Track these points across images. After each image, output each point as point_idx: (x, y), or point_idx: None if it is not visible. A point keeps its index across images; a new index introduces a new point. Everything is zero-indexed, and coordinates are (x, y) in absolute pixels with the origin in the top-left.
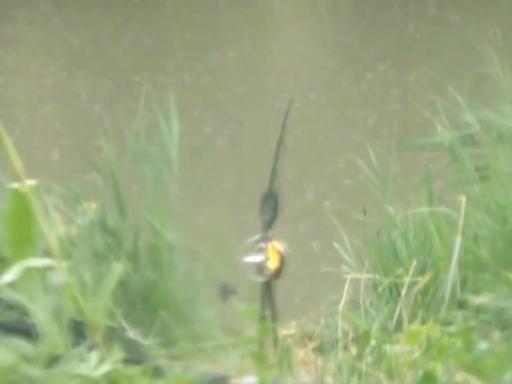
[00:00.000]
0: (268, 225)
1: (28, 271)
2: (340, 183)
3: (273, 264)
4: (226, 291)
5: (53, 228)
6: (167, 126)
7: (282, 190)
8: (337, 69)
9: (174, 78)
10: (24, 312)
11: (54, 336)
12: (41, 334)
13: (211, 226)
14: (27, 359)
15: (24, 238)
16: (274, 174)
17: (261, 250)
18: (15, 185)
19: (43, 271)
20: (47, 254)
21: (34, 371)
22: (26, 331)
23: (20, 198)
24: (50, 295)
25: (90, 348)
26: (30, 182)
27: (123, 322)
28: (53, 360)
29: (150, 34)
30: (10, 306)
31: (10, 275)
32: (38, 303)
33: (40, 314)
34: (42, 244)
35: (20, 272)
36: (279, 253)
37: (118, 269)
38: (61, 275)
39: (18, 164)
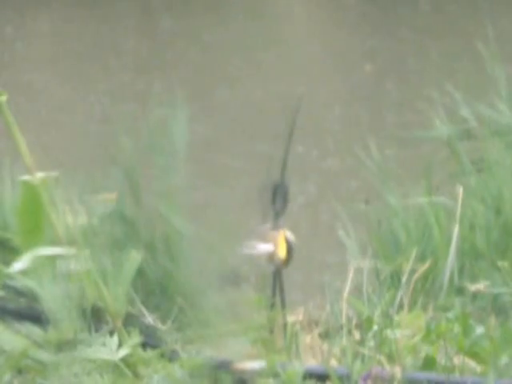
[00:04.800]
0: (278, 214)
1: (38, 259)
2: (343, 174)
3: (282, 253)
4: (236, 279)
5: (67, 218)
6: (175, 116)
7: (288, 181)
8: (332, 61)
9: (184, 70)
10: (34, 299)
11: (63, 321)
12: (51, 320)
13: (221, 215)
14: (38, 344)
15: (34, 227)
16: (284, 165)
17: (271, 239)
18: (26, 177)
19: (53, 259)
20: (61, 243)
21: (47, 356)
22: (37, 317)
23: (30, 189)
24: (60, 282)
25: (111, 333)
26: (41, 174)
27: (142, 309)
28: (66, 345)
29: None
30: (21, 294)
31: (21, 263)
32: (48, 289)
33: (50, 299)
34: (55, 234)
35: (30, 260)
36: (288, 242)
37: (137, 257)
38: (73, 263)
39: (27, 156)
